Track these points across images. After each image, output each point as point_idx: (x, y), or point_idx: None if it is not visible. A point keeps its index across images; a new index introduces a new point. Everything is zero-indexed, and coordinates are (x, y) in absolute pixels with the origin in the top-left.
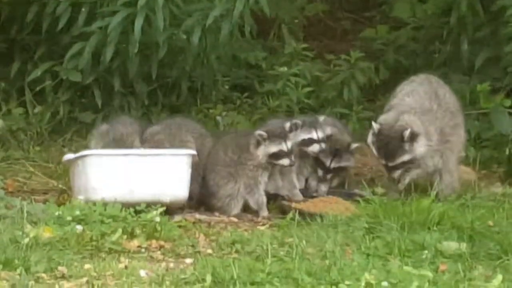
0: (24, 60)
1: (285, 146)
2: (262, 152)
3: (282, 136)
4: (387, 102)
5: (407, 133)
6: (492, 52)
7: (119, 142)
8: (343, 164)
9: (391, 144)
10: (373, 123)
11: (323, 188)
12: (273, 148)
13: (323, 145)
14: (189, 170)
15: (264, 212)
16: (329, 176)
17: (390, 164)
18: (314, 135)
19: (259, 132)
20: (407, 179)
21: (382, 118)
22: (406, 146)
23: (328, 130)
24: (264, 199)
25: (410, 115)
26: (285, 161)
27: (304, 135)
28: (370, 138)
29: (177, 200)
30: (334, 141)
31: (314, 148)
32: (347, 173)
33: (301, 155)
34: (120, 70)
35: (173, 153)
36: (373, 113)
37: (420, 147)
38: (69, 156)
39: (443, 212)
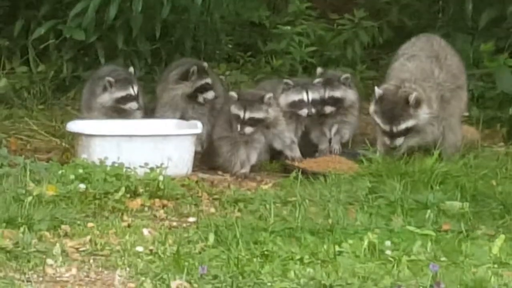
0: (27, 18)
1: (243, 113)
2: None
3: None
4: (389, 63)
5: (412, 97)
6: (496, 12)
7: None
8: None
9: (396, 109)
10: (376, 88)
11: (336, 146)
12: (235, 111)
13: (313, 110)
14: (193, 149)
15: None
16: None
17: (395, 129)
18: (304, 97)
19: (231, 92)
20: (404, 147)
21: (384, 86)
22: (411, 110)
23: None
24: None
25: (411, 83)
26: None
27: (294, 97)
28: (372, 107)
29: (179, 175)
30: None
31: (303, 112)
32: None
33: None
34: (124, 28)
35: (179, 134)
36: (377, 73)
37: (423, 114)
38: (72, 127)
39: (446, 171)
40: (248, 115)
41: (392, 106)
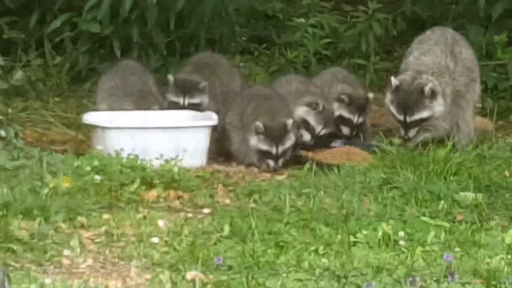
0: (43, 11)
1: (275, 149)
2: (254, 143)
3: (277, 137)
4: (403, 56)
5: (427, 88)
6: (509, 3)
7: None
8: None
9: (411, 99)
10: (392, 78)
11: None
12: (264, 146)
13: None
14: (208, 140)
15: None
16: (355, 132)
17: (409, 119)
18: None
19: (258, 123)
20: (418, 139)
21: (401, 77)
22: (426, 101)
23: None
24: (254, 158)
25: (428, 75)
26: (270, 162)
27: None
28: (388, 97)
29: (194, 167)
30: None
31: (346, 130)
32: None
33: None
34: (139, 21)
35: (194, 125)
36: (390, 64)
37: (438, 106)
38: (87, 119)
39: (460, 162)
40: None
41: (407, 96)
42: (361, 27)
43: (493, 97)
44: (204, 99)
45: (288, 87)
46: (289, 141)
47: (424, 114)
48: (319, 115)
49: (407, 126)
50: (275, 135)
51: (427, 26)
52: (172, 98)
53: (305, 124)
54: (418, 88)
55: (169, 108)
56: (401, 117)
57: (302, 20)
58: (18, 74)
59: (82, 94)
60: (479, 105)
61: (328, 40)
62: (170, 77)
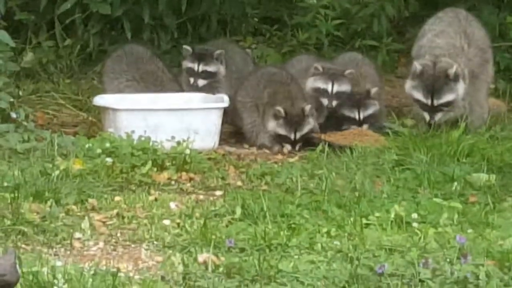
0: None
1: (293, 134)
2: (272, 127)
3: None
4: (415, 38)
5: (452, 71)
6: None
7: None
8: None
9: (438, 82)
10: (415, 64)
11: None
12: (282, 131)
13: (334, 103)
14: (220, 122)
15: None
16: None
17: (436, 102)
18: (329, 88)
19: (278, 108)
20: (439, 120)
21: (422, 62)
22: (452, 84)
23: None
24: (266, 140)
25: (446, 58)
26: (287, 146)
27: (320, 84)
28: (409, 84)
29: (206, 149)
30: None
31: (324, 102)
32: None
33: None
34: (150, 2)
35: (205, 107)
36: (403, 45)
37: (461, 88)
38: (98, 101)
39: (473, 144)
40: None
41: (432, 80)
42: (373, 8)
43: (506, 78)
44: (220, 68)
45: (299, 66)
46: (308, 126)
47: (450, 97)
48: (325, 75)
49: (433, 110)
50: (294, 120)
51: (440, 7)
52: (188, 64)
53: (317, 91)
54: (442, 72)
55: (185, 74)
56: (428, 101)
57: (314, 1)
58: (29, 56)
59: (93, 76)
60: (492, 86)
61: (340, 21)
62: (187, 47)
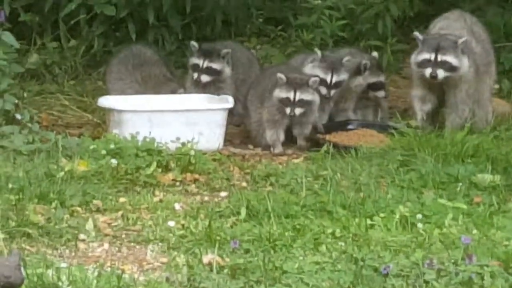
0: None
1: (293, 95)
2: (276, 94)
3: (295, 84)
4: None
5: (461, 40)
6: None
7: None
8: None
9: (444, 41)
10: (416, 33)
11: None
12: (282, 94)
13: (332, 92)
14: (225, 123)
15: (277, 149)
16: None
17: (440, 58)
18: (328, 77)
19: (280, 74)
20: (441, 77)
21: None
22: (459, 51)
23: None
24: (280, 137)
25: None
26: (287, 110)
27: (319, 73)
28: (413, 55)
29: (210, 150)
30: None
31: (323, 90)
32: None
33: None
34: (154, 3)
35: (210, 108)
36: (408, 46)
37: (466, 64)
38: (103, 102)
39: (478, 144)
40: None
41: (439, 39)
42: (377, 8)
43: (510, 79)
44: (225, 67)
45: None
46: (310, 95)
47: (454, 60)
48: (323, 63)
49: (436, 64)
50: (295, 82)
51: (444, 8)
52: (194, 60)
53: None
54: (452, 38)
55: (190, 72)
56: (431, 56)
57: (319, 1)
58: (33, 58)
59: (98, 77)
60: (496, 86)
61: (344, 21)
62: (195, 43)
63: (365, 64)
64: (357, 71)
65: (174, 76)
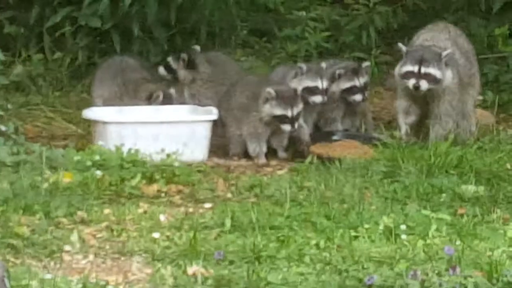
0: (43, 5)
1: (290, 111)
2: (267, 110)
3: (290, 100)
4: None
5: (445, 52)
6: None
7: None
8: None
9: (428, 53)
10: (400, 45)
11: None
12: (278, 111)
13: (325, 98)
14: (209, 135)
15: (261, 160)
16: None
17: (423, 70)
18: (319, 84)
19: (269, 89)
20: (424, 88)
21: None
22: (442, 63)
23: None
24: (262, 148)
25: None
26: (286, 127)
27: (309, 82)
28: (397, 67)
29: (195, 162)
30: None
31: (317, 98)
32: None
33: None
34: (139, 15)
35: (194, 120)
36: (391, 57)
37: (449, 76)
38: (88, 114)
39: (461, 155)
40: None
41: (423, 51)
42: (362, 20)
43: (494, 90)
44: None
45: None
46: (301, 105)
47: (437, 73)
48: (310, 72)
49: (420, 76)
50: (287, 96)
51: (428, 19)
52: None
53: (307, 90)
54: (435, 50)
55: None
56: (415, 68)
57: (303, 13)
58: (18, 69)
59: (82, 89)
60: (480, 97)
61: (329, 33)
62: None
63: (339, 73)
64: (332, 79)
65: (157, 82)
